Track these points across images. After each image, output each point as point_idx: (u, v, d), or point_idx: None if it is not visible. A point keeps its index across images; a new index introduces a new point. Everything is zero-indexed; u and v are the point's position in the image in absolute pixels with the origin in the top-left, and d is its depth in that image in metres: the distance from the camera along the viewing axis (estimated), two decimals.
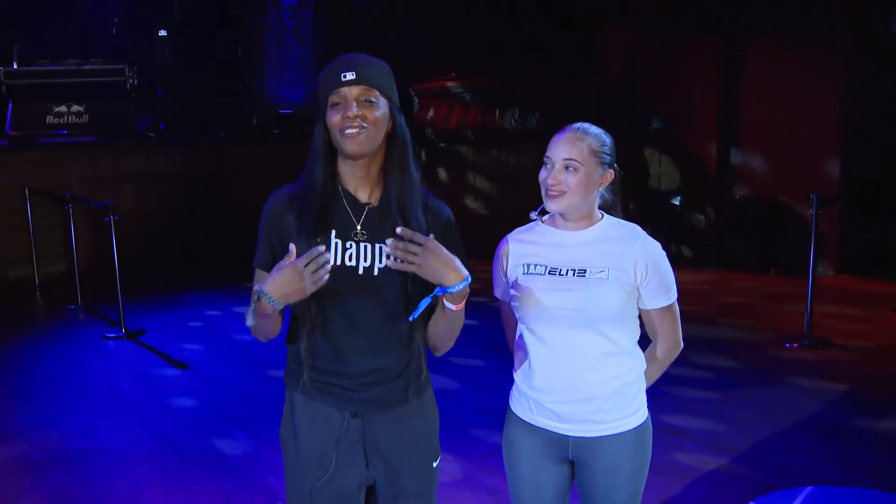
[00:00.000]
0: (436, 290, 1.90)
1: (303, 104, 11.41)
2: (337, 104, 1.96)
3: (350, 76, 1.94)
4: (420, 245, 1.84)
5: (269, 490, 3.89)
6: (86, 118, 9.73)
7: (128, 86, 9.82)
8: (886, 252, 8.04)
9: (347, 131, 1.94)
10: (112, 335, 6.45)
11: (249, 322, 1.93)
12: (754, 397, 5.04)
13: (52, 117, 9.62)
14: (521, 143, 9.47)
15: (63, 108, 9.66)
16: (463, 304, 1.94)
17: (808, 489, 3.78)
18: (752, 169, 8.95)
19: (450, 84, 10.17)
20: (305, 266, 1.85)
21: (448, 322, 2.02)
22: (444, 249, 1.88)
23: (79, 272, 7.39)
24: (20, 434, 4.63)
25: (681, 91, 9.21)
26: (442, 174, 10.24)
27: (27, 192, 8.32)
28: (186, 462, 4.25)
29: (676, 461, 4.11)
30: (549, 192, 2.10)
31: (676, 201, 9.14)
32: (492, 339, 6.13)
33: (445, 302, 1.93)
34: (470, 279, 1.92)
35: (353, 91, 1.95)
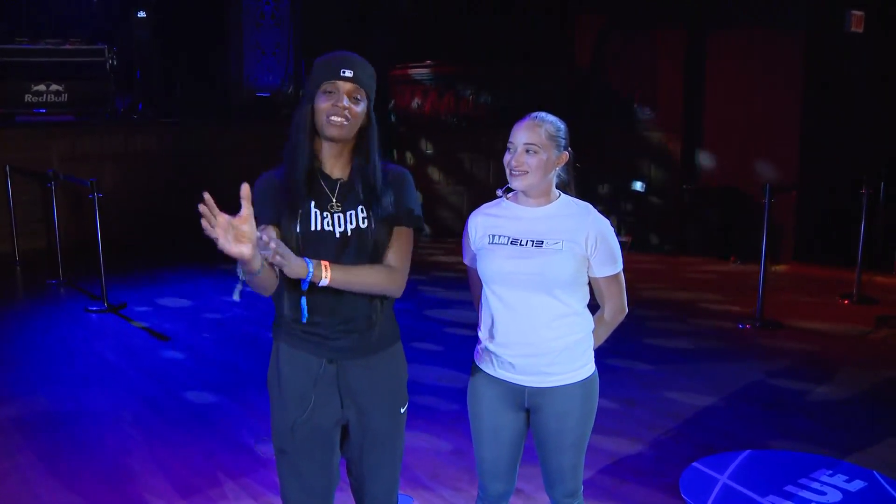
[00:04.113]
0: (302, 284, 2.23)
1: (279, 87, 11.61)
2: (330, 93, 2.27)
3: (348, 73, 2.26)
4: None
5: (249, 448, 4.17)
6: (65, 97, 9.88)
7: (107, 66, 9.99)
8: (840, 241, 8.40)
9: (333, 118, 2.26)
10: (95, 308, 6.67)
11: (236, 297, 2.26)
12: (704, 372, 5.39)
13: (30, 96, 9.76)
14: (493, 127, 9.72)
15: (42, 87, 9.80)
16: (329, 278, 2.21)
17: (746, 452, 4.15)
18: (714, 157, 9.28)
19: (424, 71, 10.42)
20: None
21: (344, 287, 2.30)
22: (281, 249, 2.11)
23: (59, 248, 7.59)
24: (10, 398, 4.86)
25: (646, 80, 9.51)
26: (409, 158, 10.54)
27: (8, 169, 8.46)
28: (171, 423, 4.52)
29: (627, 427, 4.45)
30: (513, 173, 2.42)
31: (638, 187, 9.48)
32: (459, 316, 6.45)
33: (320, 283, 2.22)
34: (311, 272, 2.18)
35: (347, 86, 2.27)
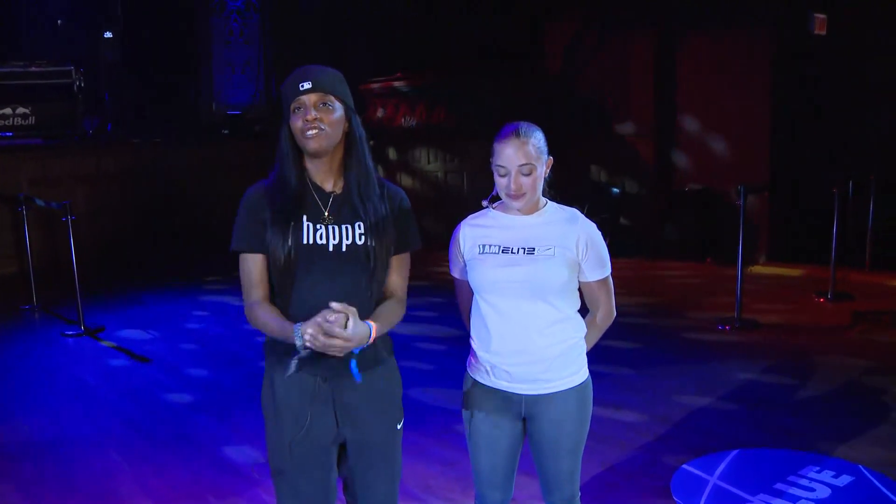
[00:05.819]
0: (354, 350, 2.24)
1: (250, 104, 11.57)
2: (297, 109, 2.27)
3: (307, 85, 2.26)
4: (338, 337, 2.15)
5: (236, 467, 4.12)
6: (32, 120, 9.75)
7: (75, 87, 9.87)
8: (813, 239, 8.49)
9: (308, 133, 2.26)
10: (72, 333, 6.58)
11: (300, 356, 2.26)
12: (688, 374, 5.43)
13: None
14: (467, 136, 9.72)
15: (8, 111, 9.67)
16: (375, 335, 2.27)
17: (735, 452, 4.17)
18: (687, 160, 9.36)
19: (396, 84, 10.42)
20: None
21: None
22: (350, 333, 2.16)
23: (32, 273, 7.48)
24: None
25: (618, 85, 9.57)
26: (380, 171, 10.50)
27: None
28: (155, 445, 4.46)
29: (617, 431, 4.46)
30: (513, 195, 2.41)
31: (614, 192, 9.54)
32: (450, 329, 6.44)
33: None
34: (372, 335, 2.26)
35: (311, 98, 2.26)
